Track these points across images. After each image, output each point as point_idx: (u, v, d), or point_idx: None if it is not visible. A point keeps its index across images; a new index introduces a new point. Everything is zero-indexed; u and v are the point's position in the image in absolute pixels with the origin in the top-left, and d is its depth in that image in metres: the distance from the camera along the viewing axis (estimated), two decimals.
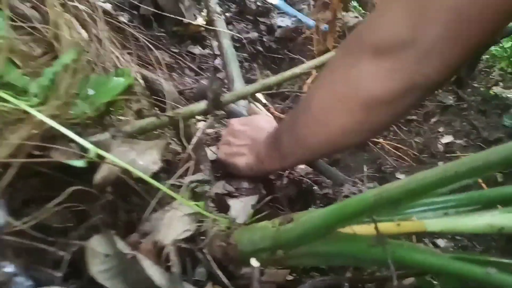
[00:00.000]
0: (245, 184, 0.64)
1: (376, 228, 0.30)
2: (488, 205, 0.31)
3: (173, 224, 0.42)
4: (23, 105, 0.34)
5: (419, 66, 0.43)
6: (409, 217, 0.32)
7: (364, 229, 0.33)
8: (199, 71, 1.13)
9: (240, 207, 0.57)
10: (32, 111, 0.34)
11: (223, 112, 0.83)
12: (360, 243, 0.32)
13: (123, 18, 1.10)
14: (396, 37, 0.43)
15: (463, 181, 0.27)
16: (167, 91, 0.53)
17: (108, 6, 1.07)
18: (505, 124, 1.32)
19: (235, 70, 0.80)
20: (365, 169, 1.13)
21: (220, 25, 0.86)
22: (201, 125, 0.87)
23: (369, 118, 0.48)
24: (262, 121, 0.71)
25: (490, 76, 1.82)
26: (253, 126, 0.69)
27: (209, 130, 0.92)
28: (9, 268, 0.29)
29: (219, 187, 0.61)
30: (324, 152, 0.70)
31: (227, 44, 0.83)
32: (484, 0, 0.38)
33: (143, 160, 0.42)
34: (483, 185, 1.08)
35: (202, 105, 0.56)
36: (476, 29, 0.40)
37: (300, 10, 1.38)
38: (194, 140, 0.55)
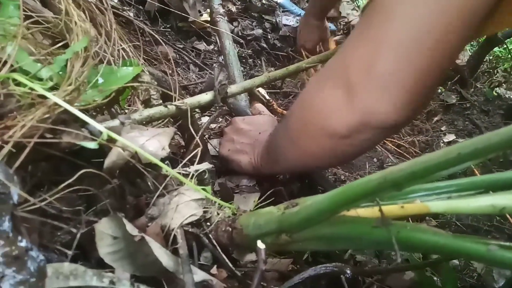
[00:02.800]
0: (245, 181, 0.66)
1: (380, 210, 0.31)
2: (491, 189, 0.31)
3: (180, 209, 0.43)
4: (38, 88, 0.35)
5: (374, 103, 0.43)
6: (413, 201, 0.32)
7: (368, 212, 0.34)
8: (203, 66, 1.14)
9: (242, 202, 0.58)
10: (48, 94, 0.35)
11: (226, 108, 0.84)
12: (364, 225, 0.32)
13: (130, 13, 1.11)
14: (357, 74, 0.44)
15: (466, 163, 0.28)
16: (175, 79, 0.54)
17: (115, 1, 1.09)
18: None
19: (236, 71, 0.81)
20: (367, 166, 1.14)
21: (223, 27, 0.87)
22: (204, 120, 0.88)
23: (331, 146, 0.50)
24: (265, 122, 0.72)
25: (494, 77, 1.83)
26: (256, 126, 0.70)
27: (212, 125, 0.93)
28: (24, 243, 0.30)
29: (220, 183, 0.62)
30: (301, 169, 0.72)
31: (229, 45, 0.84)
32: (441, 28, 0.39)
33: (152, 146, 0.43)
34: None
35: (209, 96, 0.57)
36: (429, 58, 0.41)
37: (304, 9, 1.39)
38: (201, 131, 0.56)
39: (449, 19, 0.39)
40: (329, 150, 0.51)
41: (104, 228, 0.39)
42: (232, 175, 0.70)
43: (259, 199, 0.66)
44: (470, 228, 1.02)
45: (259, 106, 0.80)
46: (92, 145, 0.35)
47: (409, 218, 0.47)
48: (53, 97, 0.36)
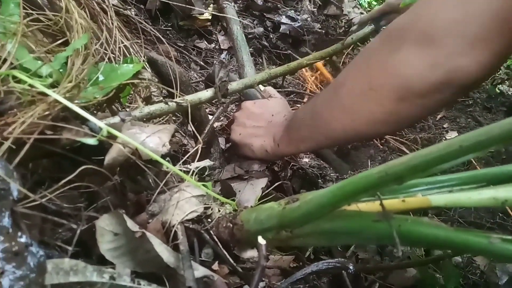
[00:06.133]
0: (256, 166, 0.64)
1: (381, 203, 0.30)
2: (492, 182, 0.31)
3: (181, 205, 0.43)
4: (37, 84, 0.35)
5: (461, 57, 0.42)
6: (414, 195, 0.32)
7: (369, 206, 0.34)
8: (204, 65, 1.14)
9: (250, 189, 0.57)
10: (47, 91, 0.35)
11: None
12: (365, 219, 0.32)
13: (130, 12, 1.11)
14: (441, 24, 0.42)
15: (467, 156, 0.28)
16: (176, 72, 0.54)
17: (115, 0, 1.09)
18: None
19: (245, 55, 0.80)
20: (369, 164, 1.14)
21: (230, 12, 0.86)
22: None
23: (399, 109, 0.48)
24: (278, 104, 0.71)
25: (497, 74, 1.82)
26: (269, 108, 0.69)
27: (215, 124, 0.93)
28: (23, 238, 0.30)
29: (230, 170, 0.62)
30: (345, 141, 0.69)
31: (237, 30, 0.83)
32: None
33: (152, 142, 0.43)
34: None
35: (209, 92, 0.57)
36: None
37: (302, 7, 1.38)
38: (208, 125, 0.56)
39: None
40: (395, 114, 0.49)
41: (105, 224, 0.39)
42: (242, 161, 0.68)
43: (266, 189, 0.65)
44: (473, 225, 1.01)
45: (269, 89, 0.78)
46: (91, 141, 0.35)
47: (411, 214, 0.47)
48: (53, 94, 0.36)
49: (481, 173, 0.32)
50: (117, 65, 0.53)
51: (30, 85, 0.38)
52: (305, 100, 1.15)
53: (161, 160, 0.39)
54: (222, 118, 0.98)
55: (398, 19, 0.50)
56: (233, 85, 0.60)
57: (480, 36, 0.41)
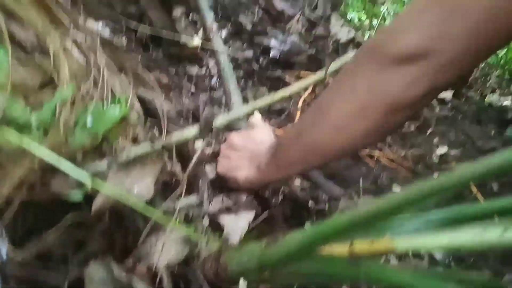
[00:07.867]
0: (243, 197, 0.66)
1: (349, 249, 0.32)
2: (474, 218, 0.33)
3: (167, 248, 0.45)
4: (25, 144, 0.37)
5: (440, 74, 0.47)
6: (383, 235, 0.33)
7: (342, 247, 0.35)
8: (196, 91, 1.16)
9: (236, 223, 0.59)
10: (33, 149, 0.37)
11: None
12: (338, 264, 0.34)
13: (121, 41, 1.14)
14: (417, 48, 0.47)
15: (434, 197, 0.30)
16: (164, 110, 0.56)
17: (106, 31, 1.11)
18: (509, 135, 1.36)
19: (232, 85, 0.82)
20: (361, 182, 1.15)
21: (217, 43, 0.89)
22: (198, 144, 0.89)
23: (390, 120, 0.53)
24: (262, 134, 0.72)
25: (487, 85, 1.84)
26: (253, 139, 0.70)
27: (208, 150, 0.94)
28: None
29: (218, 202, 0.63)
30: (340, 157, 0.71)
31: (224, 60, 0.86)
32: (503, 16, 0.42)
33: (138, 187, 0.45)
34: (479, 194, 1.10)
35: (194, 130, 0.58)
36: (494, 42, 0.45)
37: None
38: (192, 162, 0.58)
39: None
40: (386, 125, 0.53)
41: (93, 272, 0.41)
42: (230, 192, 0.69)
43: (253, 220, 0.66)
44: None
45: (254, 119, 0.79)
46: (77, 197, 0.37)
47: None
48: (39, 152, 0.37)
49: (456, 210, 0.33)
50: (104, 108, 0.55)
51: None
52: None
53: (145, 209, 0.41)
54: (213, 144, 1.00)
55: (375, 39, 0.54)
56: (219, 120, 0.62)
57: (451, 62, 0.46)
